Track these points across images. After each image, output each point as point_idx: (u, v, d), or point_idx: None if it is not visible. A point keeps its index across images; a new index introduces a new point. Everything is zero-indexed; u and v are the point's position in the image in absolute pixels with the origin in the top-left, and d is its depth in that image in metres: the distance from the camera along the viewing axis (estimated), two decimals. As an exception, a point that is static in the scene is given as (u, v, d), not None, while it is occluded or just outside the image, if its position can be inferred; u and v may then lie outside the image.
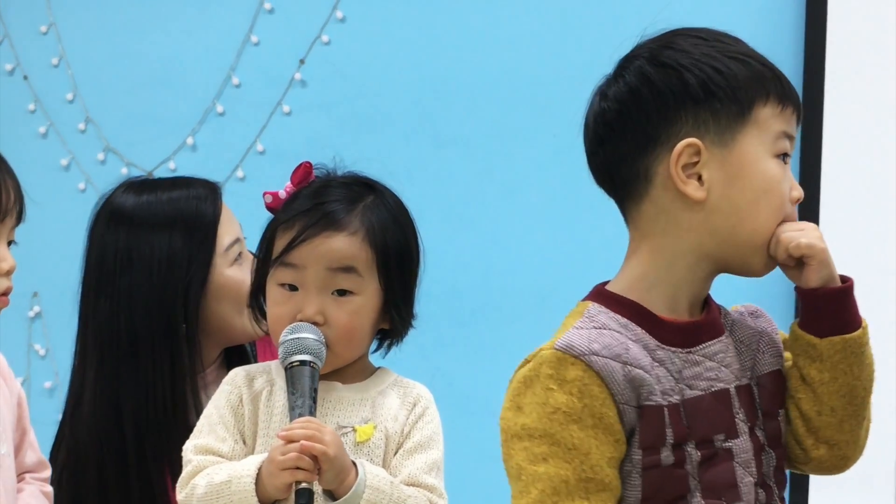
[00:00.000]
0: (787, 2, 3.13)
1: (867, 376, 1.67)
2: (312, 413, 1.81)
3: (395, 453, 1.89)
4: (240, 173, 3.44)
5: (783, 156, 1.65)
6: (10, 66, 3.63)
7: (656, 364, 1.61)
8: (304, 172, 1.96)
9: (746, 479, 1.62)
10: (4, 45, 3.65)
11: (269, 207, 1.95)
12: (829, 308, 1.64)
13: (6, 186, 1.88)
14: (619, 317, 1.62)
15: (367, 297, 1.89)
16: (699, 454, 1.60)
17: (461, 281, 3.27)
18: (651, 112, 1.64)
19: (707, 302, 1.68)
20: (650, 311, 1.63)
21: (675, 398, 1.60)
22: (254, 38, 3.46)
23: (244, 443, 1.89)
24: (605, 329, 1.60)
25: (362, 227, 1.89)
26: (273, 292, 1.91)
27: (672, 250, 1.64)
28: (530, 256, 3.24)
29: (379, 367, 1.97)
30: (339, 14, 3.40)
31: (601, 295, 1.65)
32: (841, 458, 1.69)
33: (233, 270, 2.24)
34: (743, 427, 1.64)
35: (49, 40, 3.61)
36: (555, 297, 3.18)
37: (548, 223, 3.23)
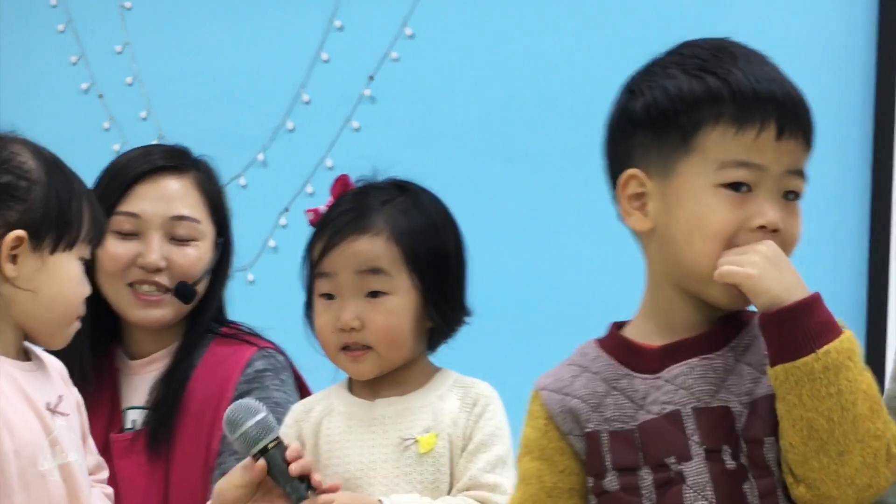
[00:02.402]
0: (860, 5, 3.10)
1: (831, 408, 1.50)
2: (303, 495, 1.80)
3: (461, 456, 1.89)
4: (309, 189, 3.46)
5: (735, 185, 1.55)
6: (86, 85, 3.69)
7: (615, 392, 1.61)
8: (341, 185, 1.98)
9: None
10: (80, 64, 3.71)
11: (312, 224, 1.97)
12: (768, 335, 1.53)
13: (90, 220, 1.90)
14: (598, 349, 1.66)
15: (401, 296, 1.89)
16: (653, 479, 1.57)
17: (529, 295, 3.26)
18: (612, 140, 1.64)
19: (729, 317, 1.61)
20: (629, 341, 1.63)
21: (630, 424, 1.59)
22: (324, 56, 3.49)
23: None
24: (568, 364, 1.65)
25: (386, 226, 1.89)
26: (316, 304, 1.93)
27: (653, 279, 1.63)
28: (599, 271, 3.23)
29: (440, 369, 1.97)
30: (408, 31, 3.42)
31: (609, 329, 1.68)
32: (825, 498, 1.52)
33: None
34: (697, 450, 1.56)
35: (124, 59, 3.67)
36: (622, 312, 3.16)
37: (616, 238, 3.21)
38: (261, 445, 1.83)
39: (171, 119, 3.59)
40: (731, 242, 1.56)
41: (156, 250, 2.23)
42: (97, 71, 3.69)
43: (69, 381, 1.94)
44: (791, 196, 1.59)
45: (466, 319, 1.96)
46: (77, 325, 1.91)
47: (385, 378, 1.93)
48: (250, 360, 2.24)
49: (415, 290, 1.90)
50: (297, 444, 1.91)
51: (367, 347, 1.89)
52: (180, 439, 2.19)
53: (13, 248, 1.80)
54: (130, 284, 2.24)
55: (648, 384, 1.60)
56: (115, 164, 2.31)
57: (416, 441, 1.87)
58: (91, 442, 1.99)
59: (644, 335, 1.63)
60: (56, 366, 1.92)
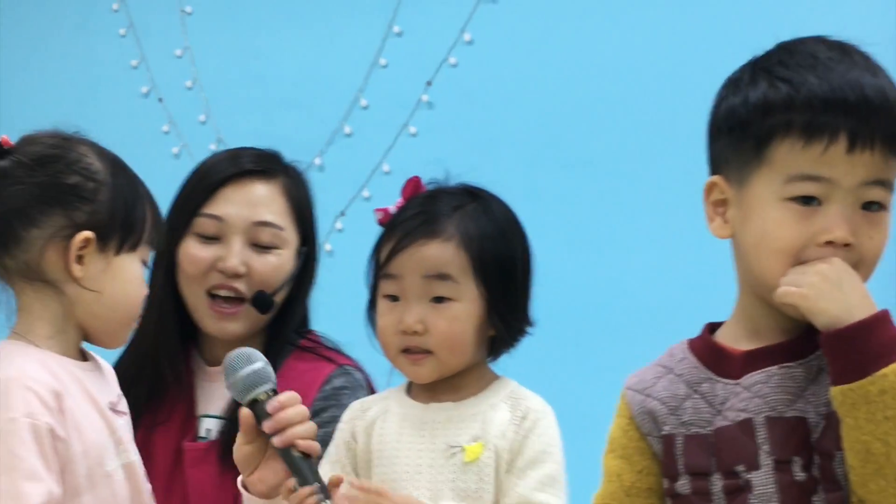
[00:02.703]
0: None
1: (887, 431, 1.46)
2: (289, 454, 1.78)
3: (508, 471, 1.87)
4: (366, 193, 3.47)
5: (804, 199, 1.52)
6: (146, 89, 3.73)
7: (696, 395, 1.60)
8: (413, 187, 1.97)
9: None
10: (141, 68, 3.74)
11: (381, 224, 1.97)
12: (827, 356, 1.51)
13: (152, 222, 1.92)
14: (686, 350, 1.64)
15: (466, 304, 1.88)
16: (723, 485, 1.56)
17: (584, 301, 3.25)
18: (707, 143, 1.61)
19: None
20: (716, 344, 1.62)
21: (707, 429, 1.58)
22: (382, 61, 3.50)
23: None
24: (656, 365, 1.66)
25: (457, 232, 1.88)
26: (380, 304, 1.92)
27: (739, 284, 1.61)
28: (654, 277, 3.21)
29: (499, 378, 1.95)
30: (466, 36, 3.42)
31: (701, 330, 1.67)
32: None
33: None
34: (766, 459, 1.54)
35: (184, 63, 3.69)
36: (678, 319, 3.13)
37: (672, 244, 3.21)
38: (251, 396, 1.81)
39: (230, 123, 3.62)
40: (798, 257, 1.53)
41: (236, 255, 2.16)
42: (157, 75, 3.73)
43: (117, 381, 1.95)
44: (874, 207, 1.54)
45: (529, 330, 1.95)
46: (134, 326, 1.92)
47: (442, 383, 1.92)
48: (328, 378, 2.18)
49: (480, 297, 1.89)
50: (349, 438, 1.92)
51: (428, 352, 1.89)
52: None
53: (80, 248, 1.82)
54: (209, 292, 2.18)
55: (728, 389, 1.59)
56: (203, 165, 2.25)
57: (463, 449, 1.86)
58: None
59: (733, 338, 1.62)
60: (106, 365, 1.94)
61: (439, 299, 1.88)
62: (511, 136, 3.36)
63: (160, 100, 3.71)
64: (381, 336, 1.92)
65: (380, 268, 1.92)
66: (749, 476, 1.55)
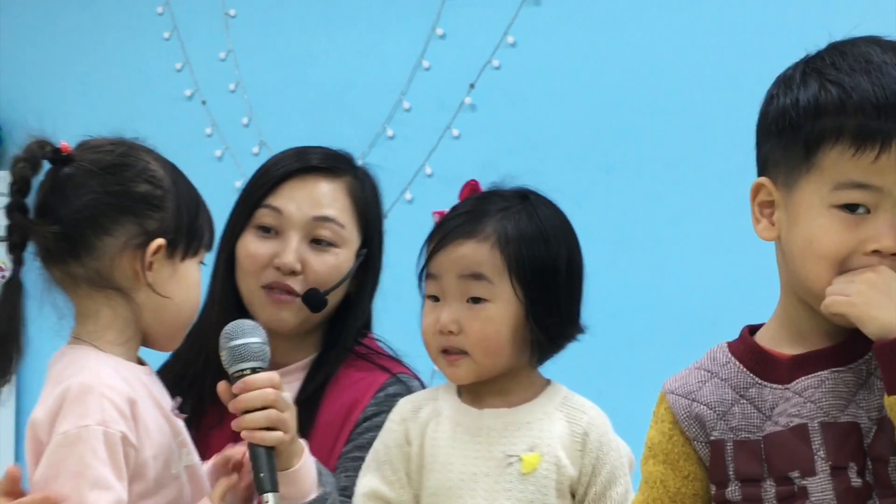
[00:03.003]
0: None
1: None
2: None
3: (584, 496, 1.85)
4: (408, 195, 3.47)
5: (851, 207, 1.50)
6: (190, 92, 3.74)
7: (743, 401, 1.58)
8: (469, 190, 1.97)
9: None
10: (185, 71, 3.76)
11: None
12: (881, 364, 1.49)
13: (208, 226, 1.93)
14: (729, 354, 1.62)
15: (501, 305, 1.86)
16: (776, 491, 1.54)
17: (627, 305, 3.24)
18: (756, 143, 1.59)
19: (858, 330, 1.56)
20: (760, 348, 1.60)
21: (756, 435, 1.56)
22: (425, 63, 3.50)
23: (410, 485, 1.89)
24: (697, 369, 1.63)
25: (494, 233, 1.86)
26: (424, 305, 1.92)
27: (783, 287, 1.60)
28: (697, 281, 3.20)
29: (549, 383, 1.93)
30: (510, 39, 3.41)
31: (741, 333, 1.65)
32: None
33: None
34: (822, 466, 1.53)
35: (227, 66, 3.71)
36: (722, 323, 3.12)
37: (715, 248, 3.19)
38: (232, 369, 1.83)
39: (272, 125, 3.63)
40: (844, 265, 1.52)
41: (293, 251, 2.13)
42: (201, 78, 3.74)
43: None
44: None
45: (577, 336, 1.93)
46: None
47: (492, 386, 1.91)
48: (383, 385, 2.15)
49: (517, 299, 1.87)
50: (402, 441, 1.91)
51: (464, 352, 1.88)
52: None
53: (152, 255, 1.83)
54: (264, 287, 2.15)
55: (777, 395, 1.57)
56: (270, 160, 2.22)
57: (520, 459, 1.84)
58: None
59: (776, 342, 1.60)
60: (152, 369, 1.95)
61: (476, 300, 1.87)
62: (553, 139, 3.35)
63: (203, 102, 3.73)
64: (423, 336, 1.91)
65: (423, 267, 1.92)
66: (805, 482, 1.54)
